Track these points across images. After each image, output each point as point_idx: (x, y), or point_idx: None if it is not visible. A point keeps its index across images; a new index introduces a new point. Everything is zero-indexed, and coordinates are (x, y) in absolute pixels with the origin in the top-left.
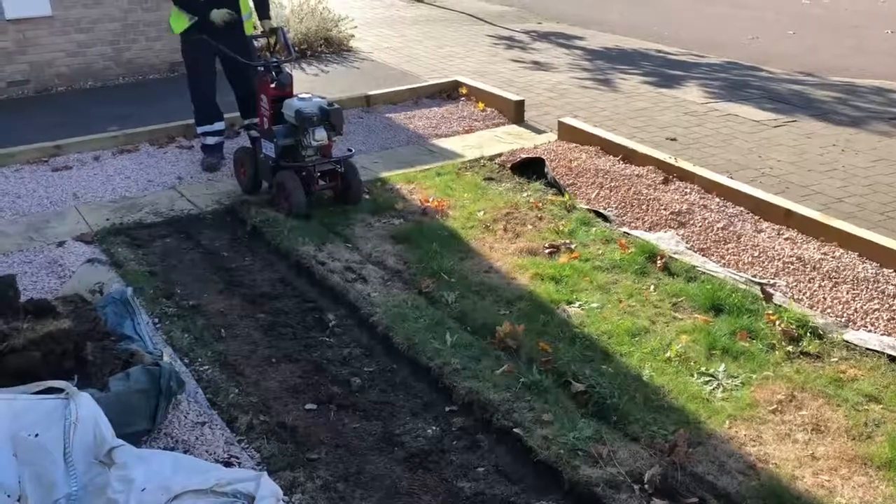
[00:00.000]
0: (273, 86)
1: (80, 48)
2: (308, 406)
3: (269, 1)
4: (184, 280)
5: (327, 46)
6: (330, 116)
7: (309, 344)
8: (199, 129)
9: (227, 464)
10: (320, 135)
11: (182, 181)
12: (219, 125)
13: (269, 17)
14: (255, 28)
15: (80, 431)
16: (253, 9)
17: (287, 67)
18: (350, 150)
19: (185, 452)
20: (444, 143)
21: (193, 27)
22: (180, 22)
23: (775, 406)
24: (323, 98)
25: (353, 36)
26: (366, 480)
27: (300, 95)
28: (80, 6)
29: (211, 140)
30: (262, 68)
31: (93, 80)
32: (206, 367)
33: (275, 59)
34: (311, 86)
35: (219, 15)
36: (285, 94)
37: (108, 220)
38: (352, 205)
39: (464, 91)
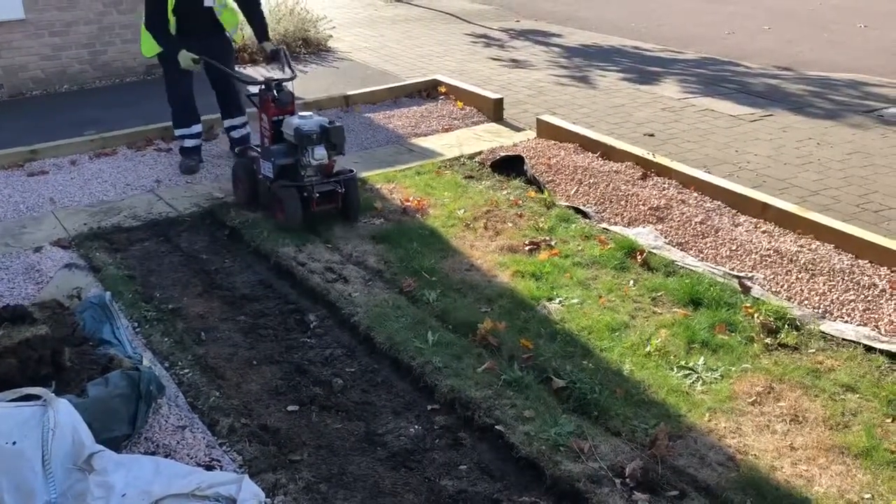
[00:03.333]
0: (274, 104)
1: (55, 52)
2: (290, 408)
3: (264, 21)
4: (163, 283)
5: (306, 47)
6: (330, 135)
7: (290, 345)
8: (177, 132)
9: (209, 467)
10: (320, 153)
11: (160, 184)
12: (196, 128)
13: (268, 39)
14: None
15: (59, 438)
16: (242, 23)
17: (289, 86)
18: (351, 170)
19: (166, 457)
20: (424, 142)
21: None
22: (150, 46)
23: (754, 398)
24: (323, 116)
25: (331, 36)
26: (349, 481)
27: (300, 114)
28: (53, 9)
29: (189, 143)
30: (264, 87)
31: (68, 84)
32: (187, 370)
33: (276, 78)
34: (289, 86)
35: (185, 59)
36: (287, 113)
37: (85, 224)
38: (350, 223)
39: (443, 90)
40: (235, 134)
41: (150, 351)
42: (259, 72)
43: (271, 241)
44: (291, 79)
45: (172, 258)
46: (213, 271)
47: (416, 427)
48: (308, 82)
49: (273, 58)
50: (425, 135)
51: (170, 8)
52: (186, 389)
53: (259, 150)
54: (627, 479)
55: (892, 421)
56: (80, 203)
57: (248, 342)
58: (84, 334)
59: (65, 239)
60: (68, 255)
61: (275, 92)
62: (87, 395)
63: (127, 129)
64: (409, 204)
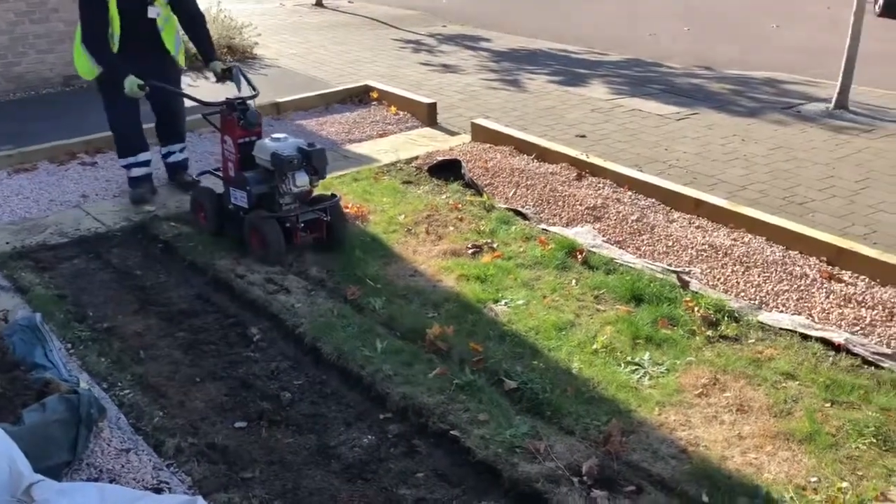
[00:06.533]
0: (241, 125)
1: None
2: (238, 424)
3: (211, 41)
4: (96, 302)
5: (231, 54)
6: (312, 159)
7: (233, 360)
8: (122, 162)
9: (158, 490)
10: (301, 180)
11: (87, 199)
12: (144, 156)
13: (217, 59)
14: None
15: None
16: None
17: (252, 104)
18: (334, 195)
19: (110, 482)
20: (359, 148)
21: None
22: (87, 67)
23: (700, 390)
24: (298, 138)
25: (256, 43)
26: (303, 496)
27: (273, 136)
28: None
29: (137, 172)
30: (226, 107)
31: None
32: (127, 391)
33: (239, 97)
34: (217, 95)
35: (131, 85)
36: (254, 135)
37: (7, 243)
38: (335, 251)
39: (375, 95)
40: (173, 160)
41: (86, 373)
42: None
43: (207, 254)
44: (254, 96)
45: (104, 275)
46: (147, 287)
47: (370, 437)
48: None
49: (226, 77)
50: (360, 141)
51: (112, 21)
52: (128, 411)
53: (220, 175)
54: (585, 477)
55: (831, 405)
56: (1, 220)
57: (190, 359)
58: (14, 359)
59: None
60: None
61: (240, 112)
62: (22, 423)
63: (48, 142)
64: (348, 211)
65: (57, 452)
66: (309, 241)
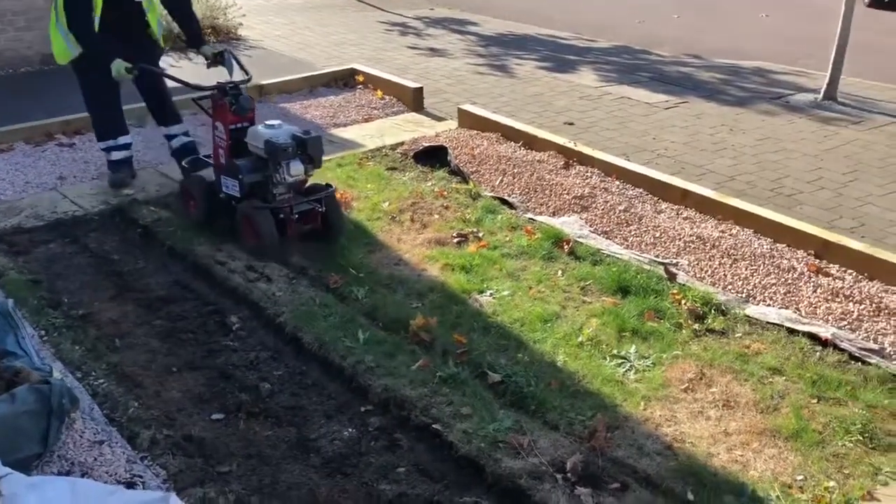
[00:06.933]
0: (233, 111)
1: None
2: (215, 416)
3: (198, 24)
4: (71, 287)
5: (215, 35)
6: (307, 147)
7: (212, 349)
8: (101, 145)
9: (131, 484)
10: (296, 169)
11: (64, 181)
12: (124, 139)
13: (205, 43)
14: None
15: None
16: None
17: (245, 89)
18: (329, 185)
19: (82, 475)
20: (344, 132)
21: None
22: (64, 50)
23: (687, 385)
24: (292, 126)
25: (241, 24)
26: (282, 490)
27: (267, 122)
28: None
29: (116, 155)
30: (217, 91)
31: None
32: (102, 380)
33: (231, 82)
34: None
35: (118, 69)
36: (246, 121)
37: None
38: (332, 242)
39: (360, 79)
40: (176, 143)
41: (59, 361)
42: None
43: (187, 240)
44: (247, 81)
45: (80, 260)
46: (125, 273)
47: (351, 430)
48: (220, 72)
49: (217, 62)
50: (345, 125)
51: (96, 2)
52: (102, 401)
53: (211, 162)
54: (569, 474)
55: (818, 402)
56: None
57: (167, 347)
58: None
59: None
60: None
61: (232, 97)
62: None
63: (25, 122)
64: None
65: (27, 445)
66: (303, 232)
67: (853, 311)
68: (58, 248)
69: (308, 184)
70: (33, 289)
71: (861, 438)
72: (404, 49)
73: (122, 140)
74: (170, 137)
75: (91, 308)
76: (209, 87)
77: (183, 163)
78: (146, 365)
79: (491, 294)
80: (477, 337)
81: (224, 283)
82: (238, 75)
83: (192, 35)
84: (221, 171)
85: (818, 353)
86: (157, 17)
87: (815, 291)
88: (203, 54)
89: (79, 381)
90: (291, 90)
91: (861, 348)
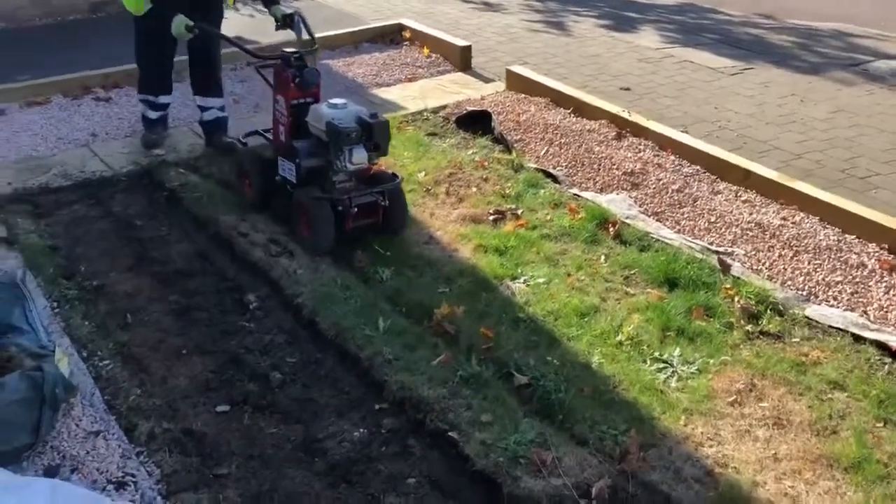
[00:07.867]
0: (296, 84)
1: None
2: (220, 408)
3: None
4: (89, 255)
5: None
6: (373, 132)
7: (226, 331)
8: (140, 97)
9: (121, 483)
10: (359, 156)
11: (96, 138)
12: (165, 98)
13: (277, 3)
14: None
15: None
16: None
17: (311, 61)
18: (395, 175)
19: (73, 469)
20: (386, 93)
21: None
22: (138, 1)
23: (734, 397)
24: (360, 106)
25: None
26: (280, 500)
27: (330, 101)
28: None
29: (153, 114)
30: (281, 61)
31: (4, 22)
32: (107, 361)
33: (296, 51)
34: (244, 29)
35: (179, 26)
36: (310, 96)
37: (9, 183)
38: (390, 236)
39: (407, 35)
40: (209, 116)
41: (67, 337)
42: None
43: (212, 207)
44: (314, 50)
45: (103, 224)
46: (146, 240)
47: (361, 430)
48: (264, 24)
49: (287, 25)
50: (387, 85)
51: None
52: (104, 385)
53: (271, 139)
54: (594, 501)
55: (884, 425)
56: (7, 158)
57: (179, 326)
58: None
59: None
60: None
61: (296, 69)
62: None
63: (68, 73)
64: None
65: (17, 435)
66: (364, 226)
67: None
68: (82, 209)
69: (372, 172)
70: (51, 255)
71: None
72: (457, 2)
73: (163, 99)
74: (203, 109)
75: (106, 279)
76: (273, 56)
77: (241, 137)
78: (155, 346)
79: (525, 281)
80: (505, 331)
81: (245, 258)
82: (303, 43)
83: None
84: (279, 151)
85: (887, 367)
86: None
87: (887, 293)
88: (273, 15)
89: (83, 361)
90: (335, 46)
91: None
